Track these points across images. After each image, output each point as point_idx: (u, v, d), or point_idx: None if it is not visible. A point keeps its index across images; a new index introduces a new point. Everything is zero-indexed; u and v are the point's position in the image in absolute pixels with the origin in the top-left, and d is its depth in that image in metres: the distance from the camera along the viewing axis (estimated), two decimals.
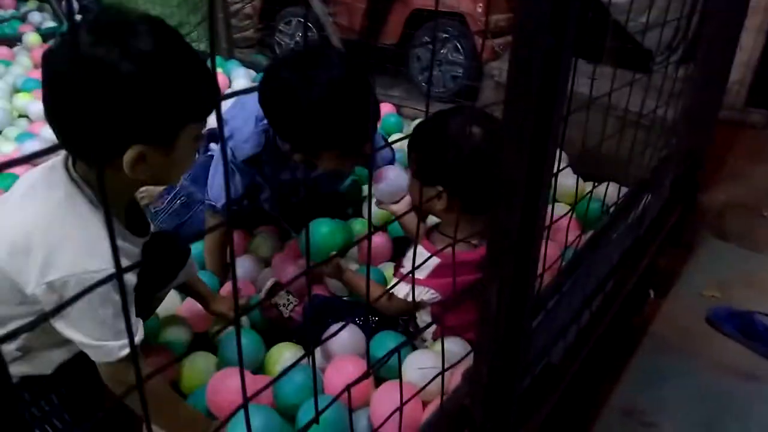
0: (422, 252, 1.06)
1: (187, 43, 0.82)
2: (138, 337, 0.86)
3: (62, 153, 0.87)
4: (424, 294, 1.09)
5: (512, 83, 0.61)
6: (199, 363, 1.13)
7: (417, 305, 1.13)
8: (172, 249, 1.09)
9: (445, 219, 1.13)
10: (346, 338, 1.12)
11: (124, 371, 0.83)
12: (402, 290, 1.11)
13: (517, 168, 0.63)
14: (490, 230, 0.68)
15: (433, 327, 1.18)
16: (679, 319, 1.45)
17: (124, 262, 0.78)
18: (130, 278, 0.83)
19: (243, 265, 1.43)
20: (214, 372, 1.09)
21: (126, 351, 0.81)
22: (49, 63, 0.76)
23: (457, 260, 0.99)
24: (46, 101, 0.77)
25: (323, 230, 1.23)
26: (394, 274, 1.35)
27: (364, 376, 0.60)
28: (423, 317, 1.18)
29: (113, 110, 0.74)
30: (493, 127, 1.04)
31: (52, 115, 0.77)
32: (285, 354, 1.16)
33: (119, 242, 0.81)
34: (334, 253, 1.19)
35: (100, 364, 0.84)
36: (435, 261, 1.06)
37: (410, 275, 1.00)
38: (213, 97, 0.80)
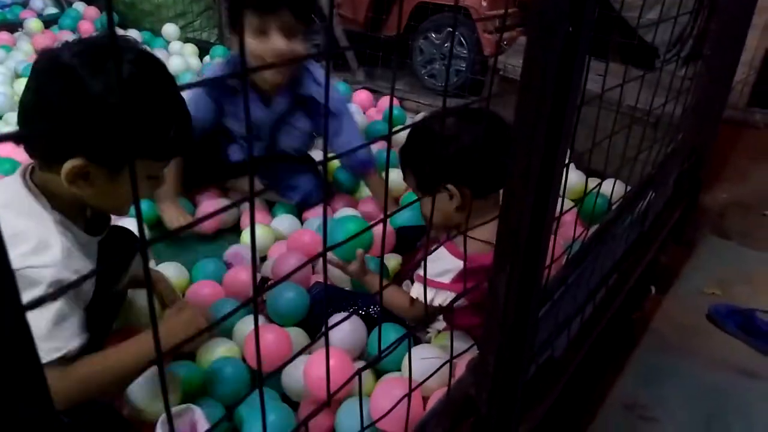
0: (446, 255, 1.04)
1: (172, 84, 0.84)
2: (71, 345, 0.80)
3: (22, 164, 0.88)
4: (450, 299, 1.03)
5: (527, 75, 0.61)
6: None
7: (443, 310, 1.08)
8: (123, 240, 1.07)
9: (461, 218, 1.09)
10: (347, 329, 1.11)
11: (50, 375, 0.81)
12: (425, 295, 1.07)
13: (530, 161, 0.63)
14: (499, 222, 0.68)
15: (441, 324, 1.17)
16: (679, 315, 1.46)
17: (77, 263, 0.80)
18: (87, 286, 0.84)
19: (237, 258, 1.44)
20: None
21: (54, 356, 0.78)
22: (36, 60, 0.80)
23: (483, 264, 0.98)
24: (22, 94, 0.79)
25: (350, 227, 1.19)
26: (403, 270, 1.35)
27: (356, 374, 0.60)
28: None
29: (62, 115, 0.75)
30: (468, 112, 1.06)
31: (19, 107, 0.80)
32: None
33: (74, 245, 0.83)
34: (361, 251, 1.16)
35: (52, 368, 0.79)
36: (459, 264, 1.02)
37: (432, 280, 1.02)
38: (179, 144, 0.82)
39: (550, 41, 0.57)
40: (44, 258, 0.77)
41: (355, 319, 1.15)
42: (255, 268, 0.37)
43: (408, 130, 1.13)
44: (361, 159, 1.58)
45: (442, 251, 1.04)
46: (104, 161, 0.79)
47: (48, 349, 0.78)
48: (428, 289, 1.03)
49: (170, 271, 1.32)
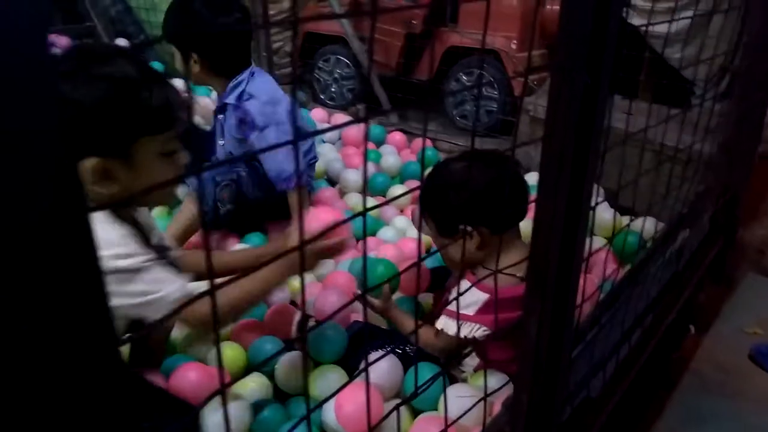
0: (472, 288, 1.05)
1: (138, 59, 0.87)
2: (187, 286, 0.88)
3: None
4: (475, 331, 1.07)
5: (550, 121, 0.64)
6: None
7: (468, 342, 1.10)
8: None
9: (485, 257, 1.14)
10: (384, 368, 1.13)
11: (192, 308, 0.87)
12: (450, 327, 1.08)
13: (557, 201, 0.66)
14: (529, 261, 0.70)
15: (475, 361, 1.18)
16: (720, 355, 1.43)
17: (132, 248, 0.85)
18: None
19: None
20: None
21: (184, 290, 0.86)
22: None
23: (506, 296, 1.03)
24: None
25: (379, 271, 1.24)
26: (435, 309, 1.37)
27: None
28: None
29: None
30: (479, 156, 1.13)
31: None
32: (329, 374, 1.17)
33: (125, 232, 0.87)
34: (386, 287, 1.21)
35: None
36: (483, 297, 1.06)
37: (459, 312, 1.04)
38: (168, 110, 0.85)
39: (570, 91, 0.60)
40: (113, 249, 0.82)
41: (391, 357, 1.17)
42: (304, 307, 0.41)
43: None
44: (284, 176, 1.63)
45: (465, 283, 1.06)
46: (113, 152, 0.82)
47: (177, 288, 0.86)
48: (452, 321, 1.07)
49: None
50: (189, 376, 1.09)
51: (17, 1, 0.18)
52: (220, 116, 1.74)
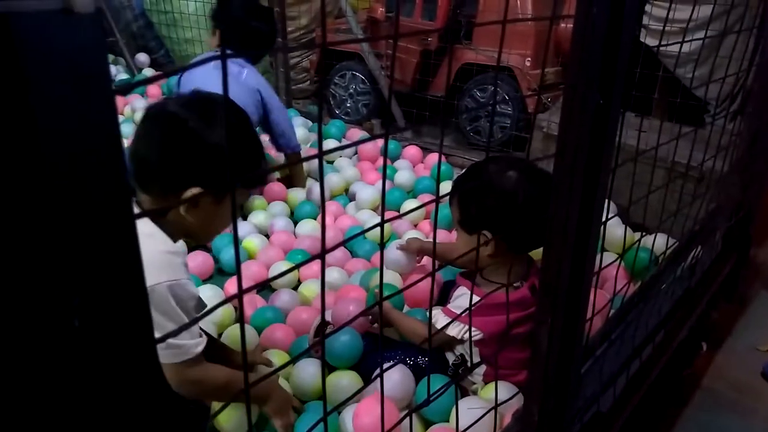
0: (467, 293, 1.14)
1: (250, 127, 1.04)
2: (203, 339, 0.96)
3: None
4: (465, 332, 1.14)
5: (563, 137, 0.66)
6: None
7: (456, 339, 1.17)
8: None
9: (489, 263, 1.17)
10: (396, 378, 1.15)
11: (193, 369, 0.93)
12: (440, 321, 1.17)
13: (568, 217, 0.68)
14: (541, 275, 0.72)
15: (483, 369, 1.20)
16: (733, 373, 1.43)
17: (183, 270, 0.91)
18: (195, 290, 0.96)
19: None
20: None
21: (200, 348, 0.92)
22: (147, 112, 0.96)
23: (497, 301, 1.07)
24: (133, 142, 0.94)
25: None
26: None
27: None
28: (458, 351, 1.22)
29: (184, 155, 0.91)
30: (528, 169, 1.12)
31: (134, 152, 0.94)
32: (343, 379, 1.20)
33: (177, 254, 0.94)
34: (376, 290, 1.24)
35: (170, 365, 0.91)
36: (475, 300, 1.12)
37: (450, 311, 1.15)
38: (260, 180, 0.93)
39: (582, 109, 0.63)
40: (166, 274, 0.89)
41: (403, 368, 1.18)
42: (323, 312, 0.43)
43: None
44: (292, 145, 2.10)
45: (463, 289, 1.17)
46: (215, 188, 0.94)
47: (195, 344, 0.93)
48: (444, 318, 1.15)
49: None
50: None
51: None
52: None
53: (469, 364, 1.21)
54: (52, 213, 0.21)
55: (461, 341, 1.18)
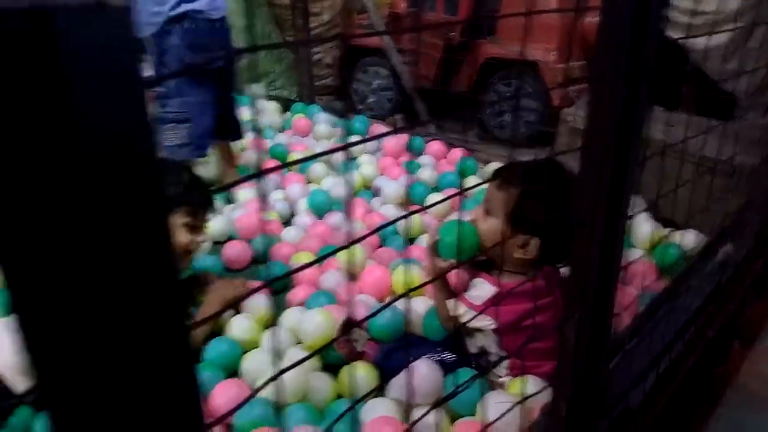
0: (483, 282, 1.18)
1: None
2: None
3: None
4: (479, 321, 1.15)
5: (589, 131, 0.65)
6: None
7: (468, 326, 1.20)
8: None
9: (515, 261, 1.14)
10: (423, 373, 1.15)
11: None
12: (458, 310, 1.20)
13: (595, 211, 0.67)
14: (569, 268, 0.71)
15: (507, 362, 1.19)
16: (766, 370, 1.40)
17: None
18: None
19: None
20: None
21: None
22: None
23: (511, 290, 1.07)
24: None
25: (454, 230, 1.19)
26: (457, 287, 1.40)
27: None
28: (479, 343, 1.22)
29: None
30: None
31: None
32: (358, 372, 1.21)
33: None
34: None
35: None
36: (491, 290, 1.16)
37: (468, 300, 1.17)
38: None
39: (609, 102, 0.62)
40: None
41: (430, 362, 1.18)
42: (350, 310, 0.43)
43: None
44: None
45: (481, 279, 1.18)
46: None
47: None
48: (461, 306, 1.18)
49: None
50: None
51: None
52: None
53: (490, 357, 1.21)
54: (88, 198, 0.22)
55: (478, 330, 1.19)
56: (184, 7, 1.75)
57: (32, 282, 0.22)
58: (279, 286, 1.59)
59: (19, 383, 1.15)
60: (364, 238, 0.43)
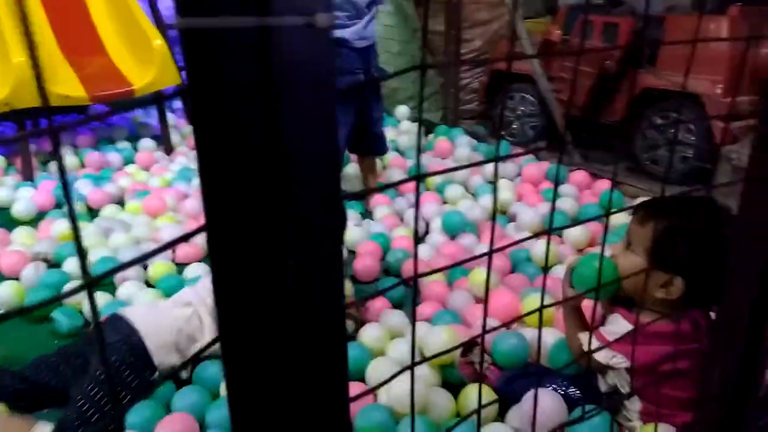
0: (620, 318, 1.13)
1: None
2: None
3: None
4: (611, 359, 1.10)
5: (754, 166, 0.62)
6: None
7: (600, 364, 1.13)
8: None
9: (656, 301, 1.08)
10: (548, 403, 1.12)
11: None
12: (585, 342, 1.14)
13: (755, 250, 0.63)
14: (719, 308, 0.67)
15: (639, 406, 1.13)
16: None
17: None
18: None
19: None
20: None
21: None
22: None
23: (653, 330, 1.02)
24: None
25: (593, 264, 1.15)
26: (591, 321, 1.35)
27: None
28: (611, 381, 1.16)
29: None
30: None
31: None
32: (473, 395, 1.21)
33: None
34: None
35: None
36: (627, 328, 1.09)
37: (601, 335, 1.12)
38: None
39: None
40: None
41: (554, 395, 1.15)
42: (482, 344, 0.45)
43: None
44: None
45: (617, 316, 1.13)
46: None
47: None
48: (594, 342, 1.10)
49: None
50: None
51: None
52: None
53: (622, 397, 1.15)
54: (284, 195, 0.26)
55: (609, 367, 1.13)
56: (334, 34, 1.91)
57: (235, 274, 0.27)
58: (403, 300, 1.64)
59: (167, 361, 1.27)
60: (497, 251, 0.45)
